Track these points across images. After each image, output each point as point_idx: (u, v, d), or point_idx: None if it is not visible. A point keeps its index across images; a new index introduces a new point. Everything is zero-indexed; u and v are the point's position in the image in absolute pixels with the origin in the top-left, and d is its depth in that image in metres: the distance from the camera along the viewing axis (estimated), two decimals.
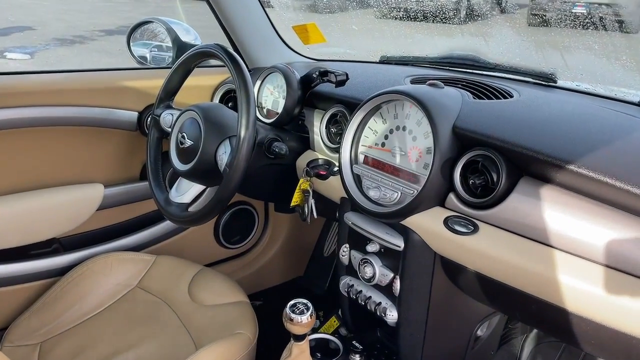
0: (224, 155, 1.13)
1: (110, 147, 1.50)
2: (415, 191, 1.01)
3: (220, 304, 1.30)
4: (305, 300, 1.02)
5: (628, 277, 0.78)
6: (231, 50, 1.16)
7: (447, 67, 1.50)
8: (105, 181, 1.48)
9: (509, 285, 0.91)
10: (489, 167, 0.94)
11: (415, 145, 1.05)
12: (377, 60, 1.66)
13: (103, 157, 1.49)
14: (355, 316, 1.29)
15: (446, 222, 0.97)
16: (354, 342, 1.24)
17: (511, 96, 1.15)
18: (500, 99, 1.14)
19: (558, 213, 0.86)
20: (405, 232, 1.05)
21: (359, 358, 1.23)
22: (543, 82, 1.34)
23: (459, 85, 1.20)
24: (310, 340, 1.18)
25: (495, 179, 0.93)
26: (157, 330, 1.25)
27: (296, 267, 1.94)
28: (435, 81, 1.10)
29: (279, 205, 1.70)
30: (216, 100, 1.59)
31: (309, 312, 1.02)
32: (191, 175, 1.20)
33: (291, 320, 1.01)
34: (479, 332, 1.27)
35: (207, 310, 1.29)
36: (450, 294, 1.11)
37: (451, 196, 0.99)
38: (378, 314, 1.13)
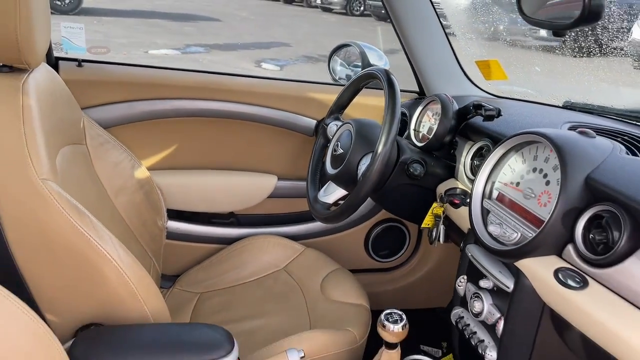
0: (363, 166, 1.25)
1: (288, 146, 1.74)
2: (534, 234, 0.98)
3: (343, 302, 1.42)
4: (401, 312, 1.08)
5: None
6: (393, 76, 1.27)
7: (634, 122, 1.36)
8: (278, 174, 1.73)
9: (611, 355, 0.83)
10: (612, 224, 0.87)
11: (547, 189, 1.02)
12: (561, 105, 1.59)
13: (281, 153, 1.75)
14: (463, 349, 1.27)
15: (556, 272, 0.92)
16: None
17: None
18: None
19: None
20: (517, 274, 1.02)
21: None
22: None
23: (619, 139, 1.11)
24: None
25: (616, 238, 0.86)
26: (285, 308, 1.42)
27: (440, 297, 1.92)
28: (586, 130, 1.04)
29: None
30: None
31: (402, 323, 1.07)
32: (336, 179, 1.35)
33: (384, 327, 1.08)
34: None
35: (330, 304, 1.42)
36: (558, 351, 1.03)
37: (569, 248, 0.94)
38: (480, 351, 1.11)
